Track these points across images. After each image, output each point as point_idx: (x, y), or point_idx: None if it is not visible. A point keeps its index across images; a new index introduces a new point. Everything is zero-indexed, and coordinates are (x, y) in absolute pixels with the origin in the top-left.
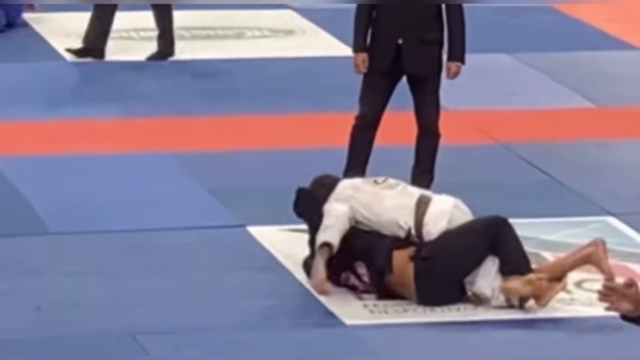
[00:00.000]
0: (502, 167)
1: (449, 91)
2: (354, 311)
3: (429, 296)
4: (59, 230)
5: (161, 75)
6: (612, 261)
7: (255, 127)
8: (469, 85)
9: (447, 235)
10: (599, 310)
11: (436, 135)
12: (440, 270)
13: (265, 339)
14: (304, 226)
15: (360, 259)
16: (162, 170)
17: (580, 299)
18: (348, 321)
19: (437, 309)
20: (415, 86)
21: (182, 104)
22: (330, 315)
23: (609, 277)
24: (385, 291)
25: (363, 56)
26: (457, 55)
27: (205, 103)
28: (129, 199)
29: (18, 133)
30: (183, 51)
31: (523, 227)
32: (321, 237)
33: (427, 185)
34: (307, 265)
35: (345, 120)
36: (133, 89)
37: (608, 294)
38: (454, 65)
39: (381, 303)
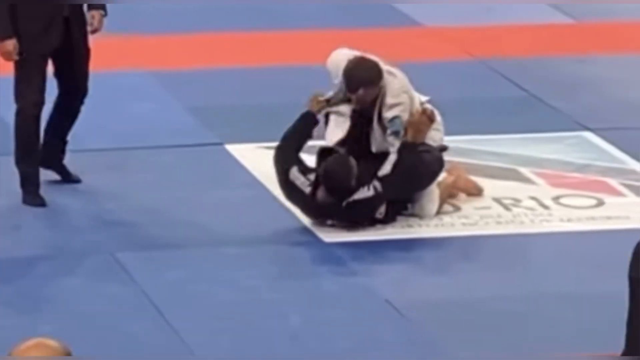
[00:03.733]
0: (480, 83)
1: (426, 8)
2: (332, 228)
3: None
4: None
5: None
6: (591, 176)
7: (235, 45)
8: (446, 2)
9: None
10: (577, 225)
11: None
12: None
13: (244, 256)
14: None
15: None
16: (142, 88)
17: (559, 214)
18: (325, 238)
19: (415, 226)
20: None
21: (162, 21)
22: (308, 232)
23: (478, 192)
24: None
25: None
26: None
27: (186, 20)
28: (109, 117)
29: None
30: None
31: (501, 143)
32: None
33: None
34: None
35: (325, 38)
36: (113, 7)
37: None
38: (97, 14)
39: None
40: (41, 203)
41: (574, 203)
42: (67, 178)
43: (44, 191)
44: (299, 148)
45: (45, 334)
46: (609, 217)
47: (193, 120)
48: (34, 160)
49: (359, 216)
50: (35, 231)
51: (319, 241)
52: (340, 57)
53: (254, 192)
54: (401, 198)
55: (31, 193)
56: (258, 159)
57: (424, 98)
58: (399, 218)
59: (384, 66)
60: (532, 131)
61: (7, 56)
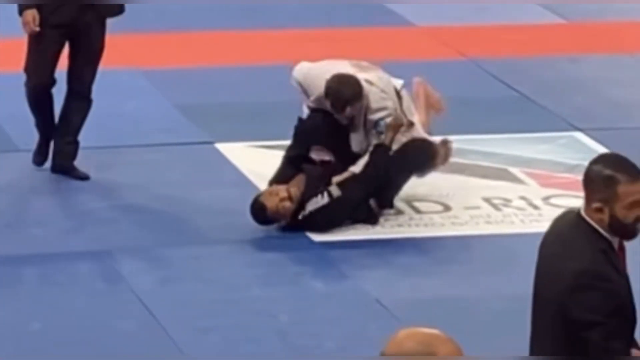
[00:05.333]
0: (471, 83)
1: (418, 8)
2: None
3: None
4: (29, 147)
5: None
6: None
7: (226, 43)
8: (439, 1)
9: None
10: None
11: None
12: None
13: (233, 255)
14: (272, 142)
15: None
16: (133, 87)
17: (549, 214)
18: (315, 237)
19: (405, 225)
20: None
21: (153, 20)
22: (298, 231)
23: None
24: None
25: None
26: None
27: (177, 19)
28: (98, 115)
29: None
30: None
31: (492, 143)
32: None
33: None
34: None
35: (317, 37)
36: None
37: None
38: None
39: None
40: (40, 162)
41: (564, 203)
42: (77, 176)
43: (29, 191)
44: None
45: (35, 332)
46: None
47: (183, 119)
48: (46, 128)
49: (322, 226)
50: (25, 229)
51: (309, 240)
52: (313, 73)
53: (244, 191)
54: (374, 196)
55: (38, 154)
56: (248, 158)
57: (398, 83)
58: (389, 218)
59: (360, 75)
60: (523, 131)
61: (26, 27)
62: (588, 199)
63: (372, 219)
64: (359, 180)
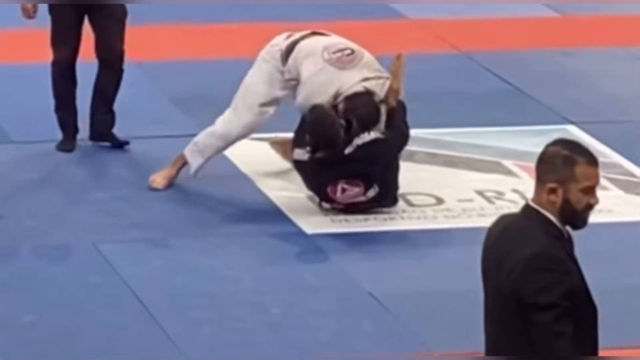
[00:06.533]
0: (465, 76)
1: (411, 1)
2: (315, 220)
3: None
4: (21, 139)
5: None
6: None
7: (220, 36)
8: None
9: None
10: None
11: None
12: None
13: (226, 247)
14: (265, 134)
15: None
16: (126, 79)
17: None
18: (309, 230)
19: (397, 218)
20: None
21: (146, 12)
22: (291, 223)
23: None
24: None
25: None
26: None
27: (170, 11)
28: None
29: None
30: None
31: (485, 136)
32: None
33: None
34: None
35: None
36: None
37: None
38: None
39: (342, 213)
40: (71, 149)
41: None
42: (118, 144)
43: (22, 183)
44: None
45: (27, 324)
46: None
47: (177, 111)
48: (69, 107)
49: (363, 165)
50: (17, 221)
51: (302, 233)
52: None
53: (238, 183)
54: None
55: (68, 137)
56: (242, 150)
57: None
58: (382, 210)
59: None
60: (516, 124)
61: (24, 13)
62: (541, 181)
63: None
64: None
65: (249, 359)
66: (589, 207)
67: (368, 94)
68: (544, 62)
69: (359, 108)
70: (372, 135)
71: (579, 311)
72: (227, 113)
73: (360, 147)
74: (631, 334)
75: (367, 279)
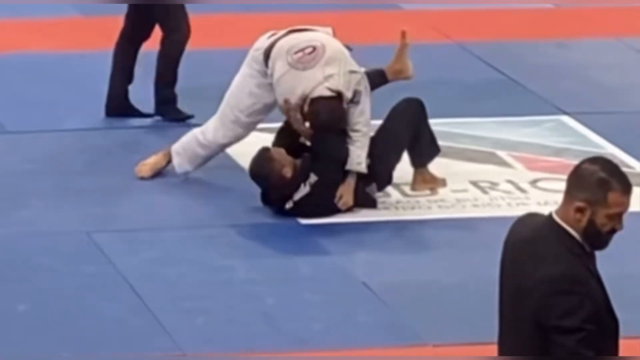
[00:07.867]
0: (458, 66)
1: None
2: None
3: None
4: (16, 129)
5: None
6: (569, 160)
7: (215, 26)
8: None
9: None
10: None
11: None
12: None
13: (220, 238)
14: (259, 125)
15: None
16: None
17: (536, 198)
18: (302, 220)
19: (392, 208)
20: None
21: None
22: (285, 214)
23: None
24: None
25: None
26: None
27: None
28: (86, 98)
29: None
30: None
31: (478, 127)
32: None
33: None
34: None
35: (303, 20)
36: None
37: None
38: None
39: None
40: (185, 117)
41: (551, 187)
42: (180, 117)
43: (18, 172)
44: None
45: (21, 313)
46: None
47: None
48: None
49: (309, 213)
50: (11, 211)
51: (296, 223)
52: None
53: (231, 174)
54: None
55: (175, 110)
56: None
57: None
58: (377, 200)
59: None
60: (510, 115)
61: None
62: (570, 197)
63: (370, 203)
64: (333, 161)
65: (244, 350)
66: (613, 231)
67: (331, 98)
68: (538, 53)
69: (320, 113)
70: (306, 188)
71: (600, 326)
72: (215, 123)
73: (296, 203)
74: (627, 323)
75: (361, 269)
